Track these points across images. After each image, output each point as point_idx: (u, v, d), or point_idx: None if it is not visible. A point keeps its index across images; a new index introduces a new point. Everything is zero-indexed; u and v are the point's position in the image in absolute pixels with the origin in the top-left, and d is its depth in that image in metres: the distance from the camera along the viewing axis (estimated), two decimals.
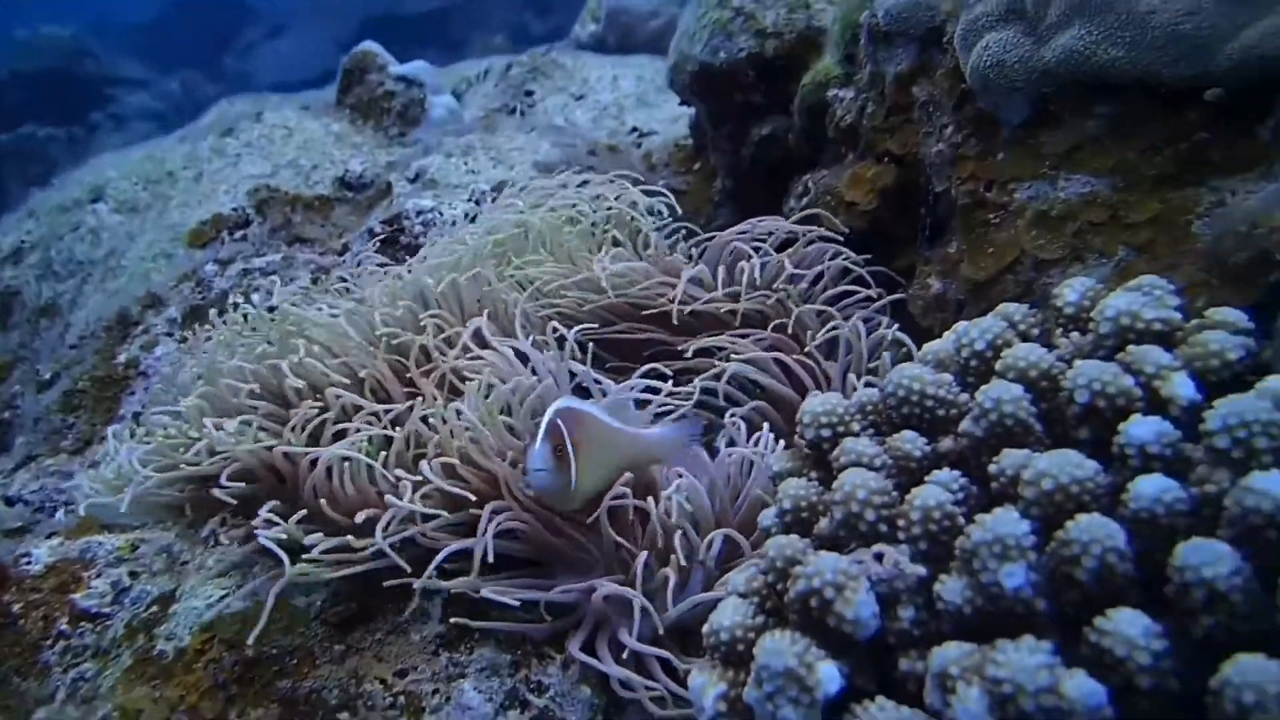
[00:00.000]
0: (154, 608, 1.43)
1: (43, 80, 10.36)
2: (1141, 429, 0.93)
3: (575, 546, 1.37)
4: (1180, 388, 0.98)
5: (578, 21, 6.52)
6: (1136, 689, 0.80)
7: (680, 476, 1.38)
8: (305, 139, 4.13)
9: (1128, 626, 0.80)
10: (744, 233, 2.02)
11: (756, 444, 1.50)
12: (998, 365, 1.09)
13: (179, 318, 2.60)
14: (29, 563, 1.49)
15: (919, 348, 1.69)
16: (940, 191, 1.76)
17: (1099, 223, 1.46)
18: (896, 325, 1.76)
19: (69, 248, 3.91)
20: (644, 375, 1.60)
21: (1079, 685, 0.78)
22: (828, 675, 0.87)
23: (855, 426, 1.15)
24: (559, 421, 1.33)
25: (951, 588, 0.90)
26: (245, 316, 1.82)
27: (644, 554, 1.29)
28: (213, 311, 1.96)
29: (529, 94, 5.36)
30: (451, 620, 1.30)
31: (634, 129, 4.82)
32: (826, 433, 1.15)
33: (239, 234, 3.24)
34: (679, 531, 1.31)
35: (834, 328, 1.74)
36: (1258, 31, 1.31)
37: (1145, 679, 0.80)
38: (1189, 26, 1.35)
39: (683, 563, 1.29)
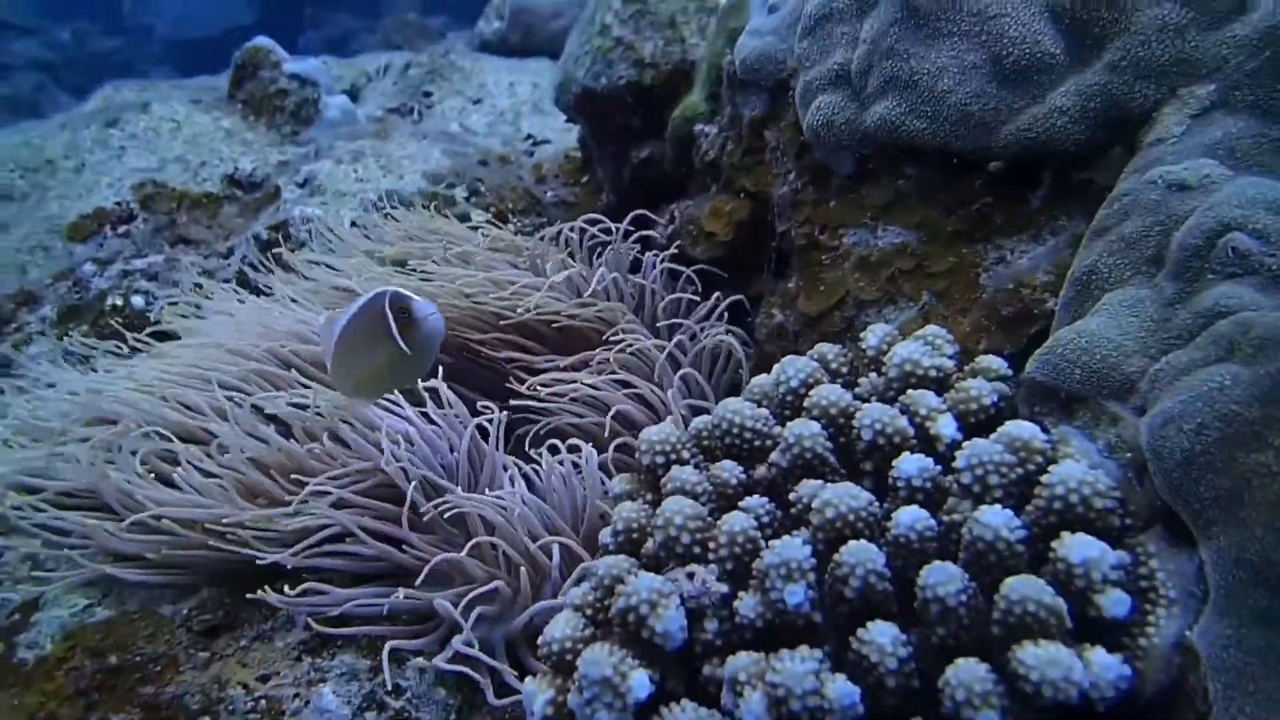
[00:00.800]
0: (16, 615, 1.43)
1: None
2: (909, 465, 1.07)
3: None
4: (945, 428, 1.13)
5: (482, 16, 6.47)
6: (886, 688, 0.94)
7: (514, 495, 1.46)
8: (194, 133, 4.01)
9: (880, 636, 0.94)
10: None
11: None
12: (805, 403, 1.23)
13: (54, 317, 2.53)
14: None
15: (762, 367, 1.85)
16: (783, 231, 1.90)
17: (908, 270, 1.63)
18: (733, 338, 1.90)
19: None
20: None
21: (838, 688, 0.92)
22: (639, 683, 0.98)
23: (685, 454, 1.27)
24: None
25: (747, 603, 1.02)
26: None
27: (497, 582, 1.37)
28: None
29: (427, 95, 5.31)
30: (313, 630, 1.35)
31: (529, 136, 4.86)
32: (660, 459, 1.26)
33: (122, 229, 3.14)
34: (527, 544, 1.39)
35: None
36: (1029, 117, 1.48)
37: (892, 680, 0.94)
38: (975, 107, 1.51)
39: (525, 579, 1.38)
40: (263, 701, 1.30)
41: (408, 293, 1.32)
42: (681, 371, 1.45)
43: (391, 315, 1.30)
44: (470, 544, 1.37)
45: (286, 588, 1.34)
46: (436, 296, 1.91)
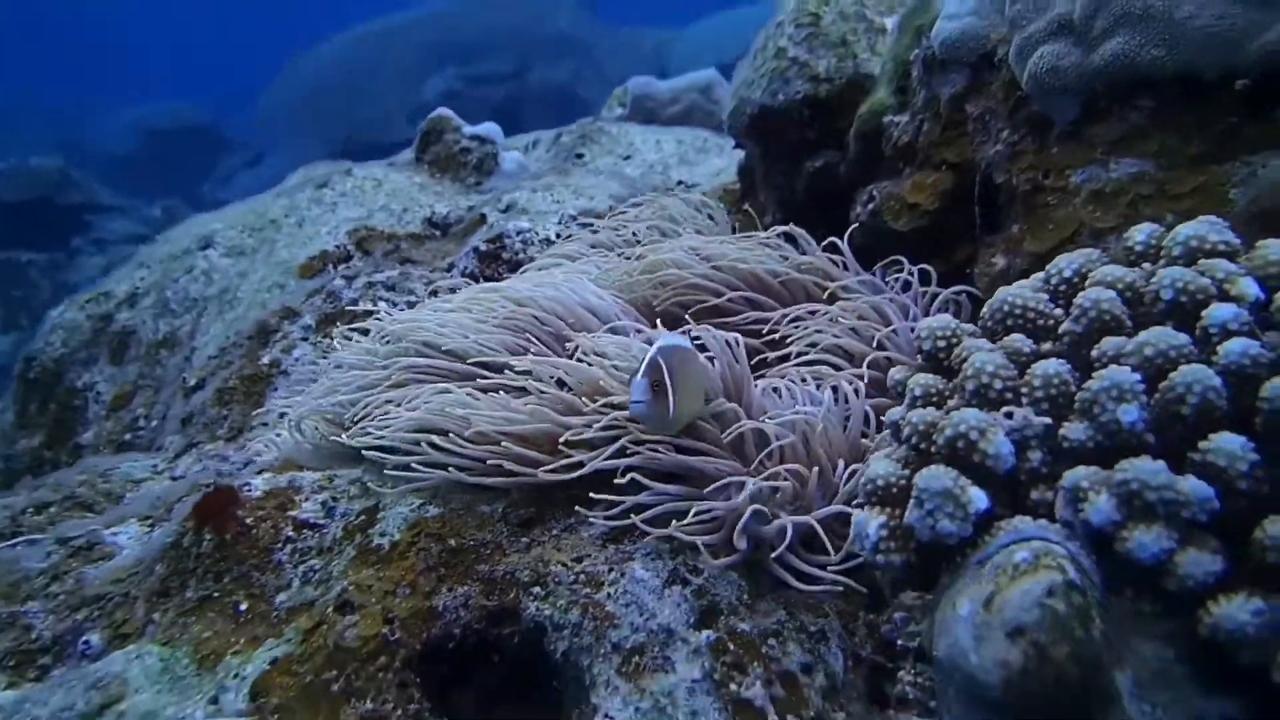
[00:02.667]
0: (363, 516, 1.59)
1: (26, 208, 10.51)
2: (1222, 311, 1.09)
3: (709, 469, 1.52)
4: (1248, 287, 1.14)
5: (604, 107, 6.87)
6: (1236, 491, 0.94)
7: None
8: (393, 188, 4.39)
9: (1228, 443, 0.95)
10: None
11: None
12: (1088, 281, 1.26)
13: (313, 324, 2.80)
14: (249, 490, 1.65)
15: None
16: (1000, 183, 1.94)
17: (1148, 195, 1.64)
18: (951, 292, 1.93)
19: (184, 288, 4.14)
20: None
21: (1193, 483, 0.93)
22: (977, 495, 1.02)
23: (965, 338, 1.31)
24: (659, 359, 1.46)
25: (1076, 429, 1.05)
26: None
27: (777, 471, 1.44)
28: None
29: (579, 156, 5.63)
30: (612, 523, 1.44)
31: (680, 182, 5.07)
32: (942, 343, 1.31)
33: (343, 267, 3.46)
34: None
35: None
36: (1276, 32, 1.50)
37: (1243, 483, 0.94)
38: (1220, 28, 1.54)
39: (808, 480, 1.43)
40: (582, 575, 1.39)
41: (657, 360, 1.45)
42: (923, 321, 1.49)
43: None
44: (764, 454, 1.45)
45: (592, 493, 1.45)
46: (674, 264, 2.05)
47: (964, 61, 2.15)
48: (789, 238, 2.32)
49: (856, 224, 2.49)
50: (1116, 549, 0.94)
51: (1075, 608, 0.91)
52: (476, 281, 2.77)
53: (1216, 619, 0.88)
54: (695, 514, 1.42)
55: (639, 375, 1.47)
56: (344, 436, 1.69)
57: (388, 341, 1.87)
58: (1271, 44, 1.50)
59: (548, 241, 2.91)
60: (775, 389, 1.63)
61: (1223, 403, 0.99)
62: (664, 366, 1.45)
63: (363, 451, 1.63)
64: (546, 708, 1.42)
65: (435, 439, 1.55)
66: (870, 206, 2.40)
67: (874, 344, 1.79)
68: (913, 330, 1.90)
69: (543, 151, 5.94)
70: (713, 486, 1.46)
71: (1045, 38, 1.80)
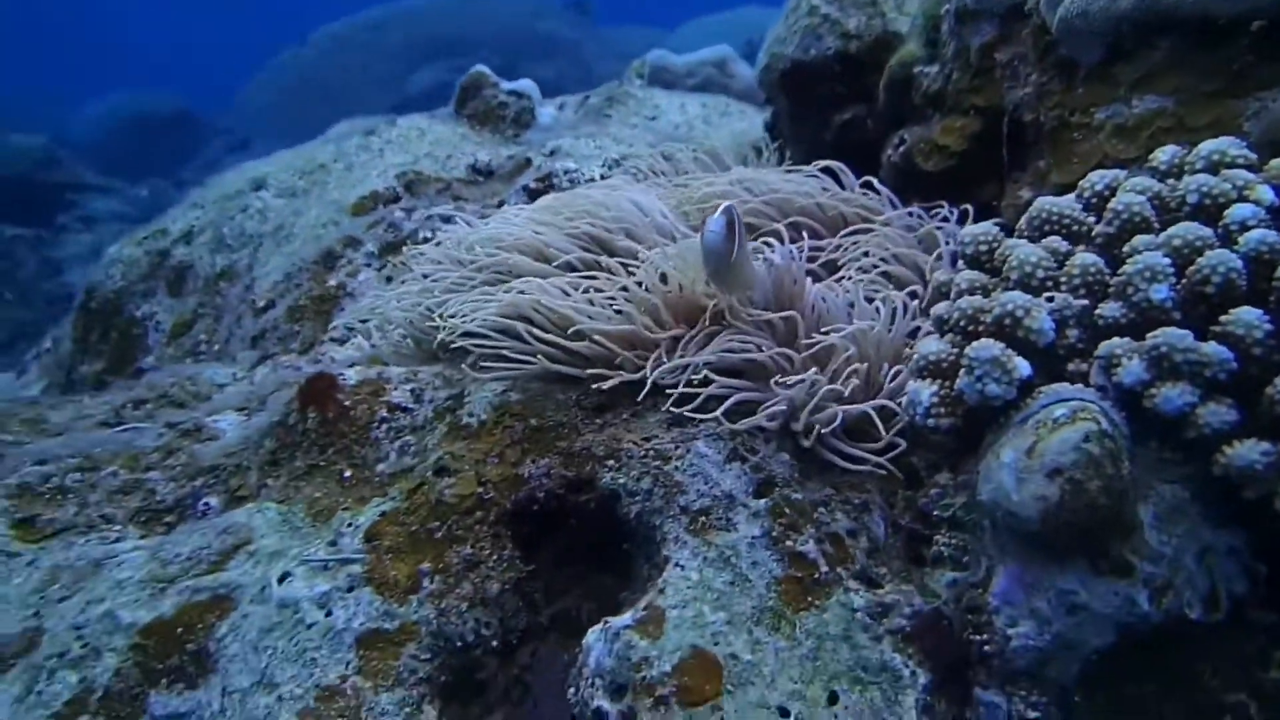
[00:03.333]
0: (449, 401, 1.70)
1: (8, 184, 10.23)
2: (1243, 210, 1.18)
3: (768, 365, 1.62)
4: (1265, 193, 1.23)
5: (624, 80, 6.88)
6: (1251, 356, 1.04)
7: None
8: (436, 138, 4.43)
9: (1247, 314, 1.05)
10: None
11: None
12: (1119, 190, 1.34)
13: (375, 251, 2.89)
14: (344, 379, 1.76)
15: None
16: (1028, 121, 2.01)
17: (1168, 128, 1.71)
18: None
19: (240, 225, 4.22)
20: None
21: (1214, 347, 1.02)
22: (1022, 363, 1.12)
23: (1006, 240, 1.40)
24: (733, 209, 1.56)
25: (1111, 307, 1.14)
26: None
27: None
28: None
29: (607, 117, 5.65)
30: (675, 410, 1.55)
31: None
32: (984, 247, 1.40)
33: (392, 206, 3.53)
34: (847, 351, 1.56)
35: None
36: None
37: (1259, 349, 1.04)
38: None
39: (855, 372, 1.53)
40: (652, 451, 1.50)
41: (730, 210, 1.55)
42: (965, 228, 1.56)
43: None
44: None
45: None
46: (723, 195, 2.13)
47: (994, 13, 2.21)
48: (830, 173, 2.39)
49: (887, 164, 2.56)
50: (1145, 405, 1.04)
51: (1107, 450, 1.01)
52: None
53: (1230, 458, 0.98)
54: (762, 409, 1.52)
55: (717, 215, 1.56)
56: (438, 322, 1.77)
57: (468, 251, 1.96)
58: None
59: (593, 181, 2.98)
60: (827, 294, 1.72)
61: (1243, 282, 1.08)
62: (736, 215, 1.55)
63: (455, 340, 1.72)
64: (617, 566, 1.54)
65: (524, 329, 1.65)
66: (902, 149, 2.47)
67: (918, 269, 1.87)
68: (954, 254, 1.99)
69: (570, 113, 5.95)
70: (775, 381, 1.55)
71: None
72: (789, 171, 2.44)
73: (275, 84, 15.09)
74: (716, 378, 1.55)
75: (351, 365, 1.86)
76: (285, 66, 15.34)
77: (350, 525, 1.50)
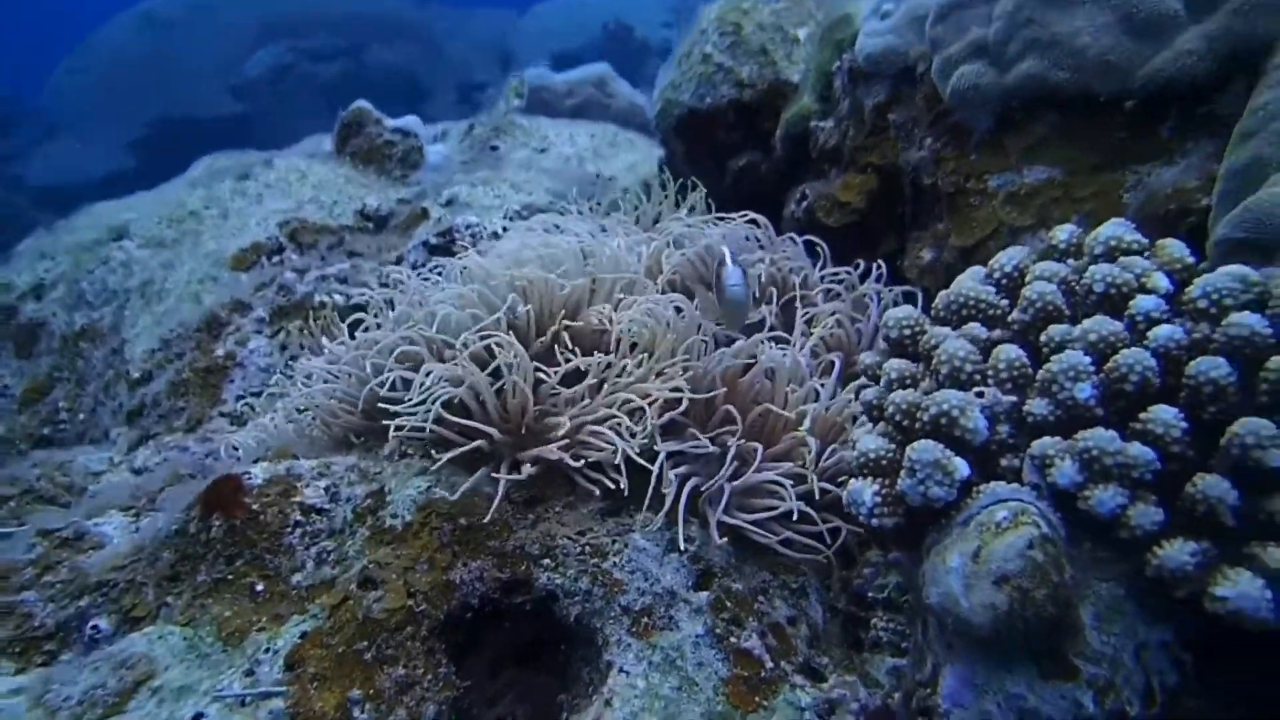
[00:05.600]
0: (369, 500, 1.58)
1: None
2: (1147, 302, 1.24)
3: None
4: (1161, 280, 1.30)
5: (502, 98, 6.77)
6: (1171, 454, 1.09)
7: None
8: (319, 180, 4.22)
9: (1164, 414, 1.10)
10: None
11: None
12: (1029, 275, 1.39)
13: (266, 317, 2.70)
14: (250, 478, 1.61)
15: (920, 299, 2.01)
16: (927, 185, 2.08)
17: (1056, 197, 1.81)
18: (899, 290, 2.07)
19: (101, 279, 3.88)
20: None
21: (1139, 448, 1.06)
22: (961, 463, 1.13)
23: (927, 326, 1.43)
24: (741, 258, 1.59)
25: (1039, 404, 1.18)
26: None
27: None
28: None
29: (494, 148, 5.55)
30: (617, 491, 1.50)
31: (596, 174, 5.09)
32: (907, 332, 1.42)
33: (275, 259, 3.33)
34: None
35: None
36: (1160, 59, 1.68)
37: (1177, 447, 1.09)
38: (1114, 56, 1.72)
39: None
40: (588, 546, 1.45)
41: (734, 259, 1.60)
42: (889, 312, 1.60)
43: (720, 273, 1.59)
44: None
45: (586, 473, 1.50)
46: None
47: (886, 74, 2.28)
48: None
49: (790, 218, 2.61)
50: (1079, 506, 1.07)
51: (1050, 556, 1.03)
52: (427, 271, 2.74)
53: (1161, 560, 1.02)
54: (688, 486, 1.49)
55: (729, 264, 1.60)
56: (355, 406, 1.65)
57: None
58: (1154, 70, 1.68)
59: (496, 235, 2.90)
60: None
61: (1157, 379, 1.14)
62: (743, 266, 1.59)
63: (393, 432, 1.61)
64: (555, 668, 1.47)
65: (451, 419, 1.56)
66: (805, 204, 2.52)
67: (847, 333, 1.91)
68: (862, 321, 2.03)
69: (455, 142, 5.80)
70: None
71: (965, 58, 1.94)
72: (719, 220, 2.43)
73: (88, 68, 13.62)
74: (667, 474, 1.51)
75: (257, 461, 1.71)
76: (98, 49, 13.77)
77: (268, 650, 1.37)
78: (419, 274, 2.39)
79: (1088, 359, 1.16)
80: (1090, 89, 1.75)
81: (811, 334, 1.92)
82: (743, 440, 1.58)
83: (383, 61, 12.39)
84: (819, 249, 2.24)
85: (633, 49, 11.91)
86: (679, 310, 1.75)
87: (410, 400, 1.61)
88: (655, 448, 1.54)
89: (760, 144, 3.06)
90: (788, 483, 1.50)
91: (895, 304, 2.11)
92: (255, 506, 1.55)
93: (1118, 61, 1.71)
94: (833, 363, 1.82)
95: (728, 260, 1.61)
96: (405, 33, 13.08)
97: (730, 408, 1.63)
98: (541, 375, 1.61)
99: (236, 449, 1.97)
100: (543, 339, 1.75)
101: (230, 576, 1.50)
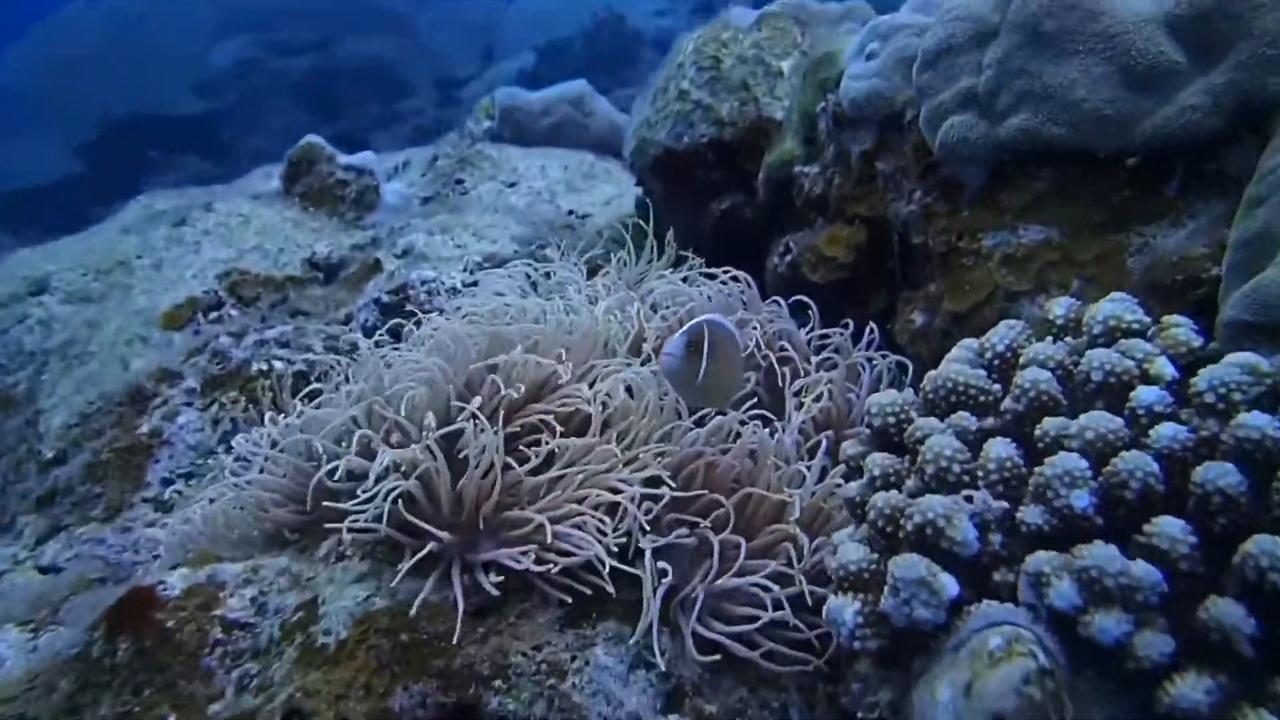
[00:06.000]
0: (300, 612, 1.55)
1: None
2: (1148, 394, 1.24)
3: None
4: (1165, 368, 1.30)
5: (470, 118, 6.79)
6: (1179, 572, 1.08)
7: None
8: (264, 225, 4.21)
9: (1169, 527, 1.09)
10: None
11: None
12: (1022, 359, 1.40)
13: (198, 388, 2.68)
14: (166, 589, 1.58)
15: (911, 369, 2.02)
16: (918, 243, 2.10)
17: (1054, 261, 1.82)
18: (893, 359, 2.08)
19: (16, 340, 3.83)
20: None
21: (1144, 569, 1.06)
22: (949, 582, 1.12)
23: (914, 414, 1.43)
24: (702, 325, 1.58)
25: (1033, 513, 1.17)
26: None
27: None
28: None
29: (459, 182, 5.57)
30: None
31: (570, 212, 5.12)
32: (892, 420, 1.42)
33: (213, 315, 3.31)
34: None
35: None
36: (1162, 116, 1.71)
37: (1185, 564, 1.08)
38: (1110, 111, 1.74)
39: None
40: (545, 664, 1.42)
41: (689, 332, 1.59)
42: (872, 398, 1.61)
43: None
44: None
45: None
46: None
47: (871, 120, 2.32)
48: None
49: (774, 273, 2.62)
50: (1080, 632, 1.06)
51: (1049, 693, 1.02)
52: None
53: (1174, 698, 1.01)
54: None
55: (677, 335, 1.59)
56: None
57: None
58: (1156, 126, 1.71)
59: (454, 291, 2.90)
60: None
61: (1160, 486, 1.14)
62: (705, 333, 1.57)
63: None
64: None
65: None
66: (789, 258, 2.53)
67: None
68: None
69: (416, 175, 5.82)
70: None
71: (954, 108, 1.97)
72: (706, 276, 2.44)
73: (29, 62, 13.37)
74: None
75: (175, 568, 1.68)
76: (43, 40, 13.69)
77: None
78: (377, 339, 2.37)
79: (1084, 464, 1.16)
80: (1088, 144, 1.77)
81: (802, 405, 1.92)
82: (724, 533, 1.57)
83: (358, 55, 12.27)
84: (809, 311, 2.25)
85: (625, 39, 12.04)
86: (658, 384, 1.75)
87: (363, 492, 1.60)
88: (640, 544, 1.53)
89: (743, 185, 3.09)
90: (775, 588, 1.49)
91: (889, 375, 2.12)
92: (170, 624, 1.52)
93: (1116, 116, 1.74)
94: (821, 441, 1.83)
95: (682, 330, 1.61)
96: (384, 23, 12.98)
97: (720, 498, 1.62)
98: (509, 461, 1.60)
99: (157, 548, 1.94)
100: (515, 421, 1.74)
101: (137, 709, 1.46)
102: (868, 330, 2.19)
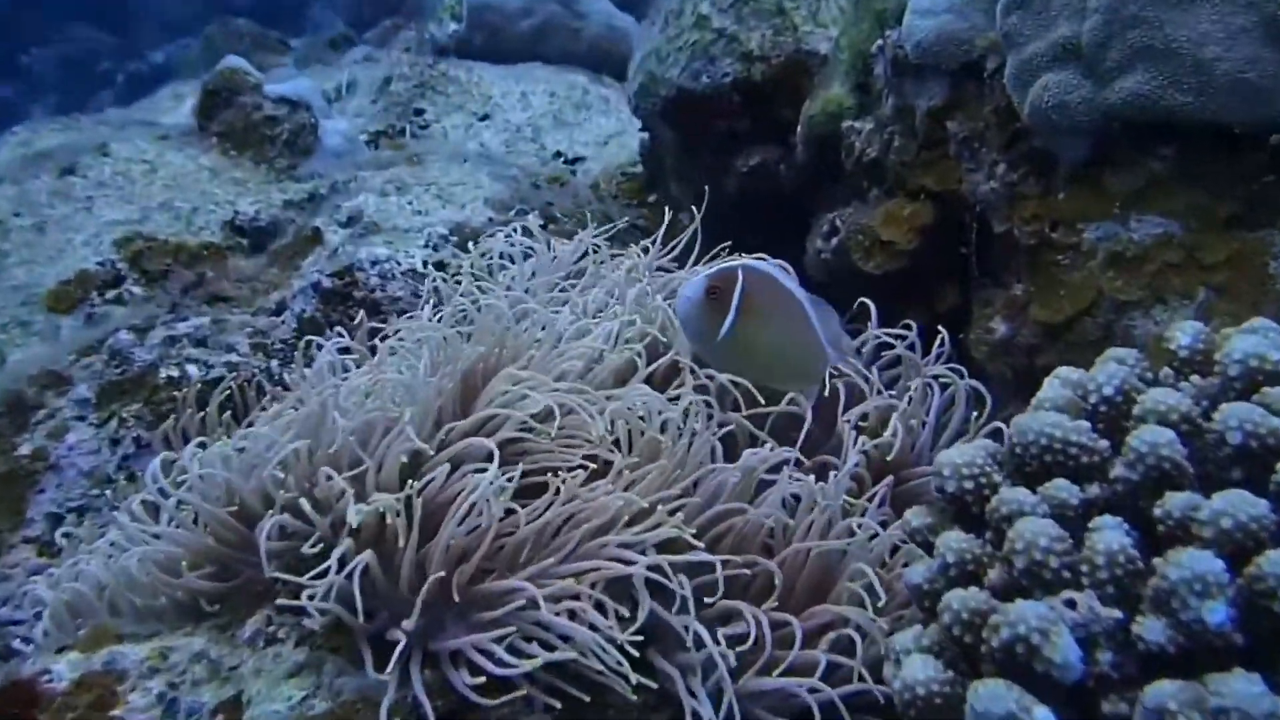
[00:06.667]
0: (219, 716, 1.53)
1: None
2: None
3: None
4: None
5: (431, 20, 6.62)
6: None
7: None
8: (173, 175, 4.13)
9: None
10: None
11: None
12: (1137, 410, 1.36)
13: (92, 398, 2.64)
14: (51, 680, 1.56)
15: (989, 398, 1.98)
16: (1000, 232, 2.05)
17: (1175, 263, 1.78)
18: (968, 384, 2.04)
19: None
20: None
21: None
22: (1044, 717, 1.09)
23: (997, 477, 1.39)
24: (739, 270, 1.54)
25: (1153, 627, 1.13)
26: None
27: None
28: None
29: (419, 113, 5.48)
30: None
31: (558, 154, 5.06)
32: (969, 484, 1.39)
33: (110, 294, 3.26)
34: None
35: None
36: None
37: None
38: (1253, 74, 1.69)
39: None
40: None
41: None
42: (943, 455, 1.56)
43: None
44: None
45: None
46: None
47: (942, 69, 2.25)
48: None
49: (816, 258, 2.58)
50: None
51: None
52: (317, 330, 2.68)
53: None
54: None
55: (699, 275, 1.56)
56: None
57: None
58: None
59: (414, 274, 2.84)
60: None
61: None
62: (739, 278, 1.53)
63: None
64: None
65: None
66: (834, 241, 2.48)
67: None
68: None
69: (364, 101, 5.71)
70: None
71: (1049, 64, 1.91)
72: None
73: None
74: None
75: (63, 651, 1.66)
76: None
77: None
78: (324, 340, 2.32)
79: (1219, 565, 1.12)
80: (1222, 116, 1.72)
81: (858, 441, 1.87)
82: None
83: None
84: (865, 310, 2.19)
85: None
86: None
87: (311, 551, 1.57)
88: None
89: (777, 137, 3.03)
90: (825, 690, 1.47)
91: (965, 401, 2.07)
92: None
93: (1259, 81, 1.68)
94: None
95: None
96: None
97: (761, 560, 1.59)
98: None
99: (41, 608, 1.92)
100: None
101: None
102: (936, 341, 2.14)
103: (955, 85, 2.25)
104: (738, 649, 1.50)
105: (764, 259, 2.05)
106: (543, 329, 1.94)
